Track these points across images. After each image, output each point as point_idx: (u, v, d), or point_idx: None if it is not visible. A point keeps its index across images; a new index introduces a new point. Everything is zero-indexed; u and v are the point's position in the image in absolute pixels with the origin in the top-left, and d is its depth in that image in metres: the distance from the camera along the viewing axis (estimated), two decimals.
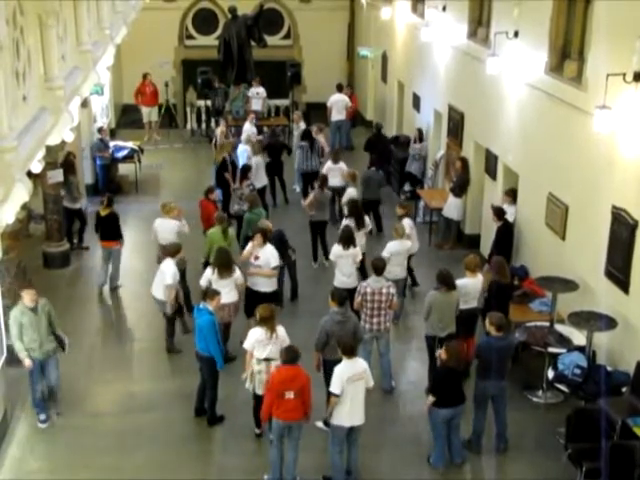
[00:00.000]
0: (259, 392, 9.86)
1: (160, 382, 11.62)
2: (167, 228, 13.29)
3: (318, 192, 15.41)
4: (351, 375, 9.08)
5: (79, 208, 16.22)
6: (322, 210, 15.42)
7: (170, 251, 12.20)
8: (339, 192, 16.46)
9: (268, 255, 12.19)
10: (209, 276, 11.58)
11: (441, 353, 9.70)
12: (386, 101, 23.62)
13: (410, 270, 14.13)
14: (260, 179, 16.88)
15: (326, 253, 15.47)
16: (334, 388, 9.07)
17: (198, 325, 10.32)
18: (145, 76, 23.76)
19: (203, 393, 10.64)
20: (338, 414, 9.19)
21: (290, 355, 9.09)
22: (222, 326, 11.39)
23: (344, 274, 12.51)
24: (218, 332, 10.41)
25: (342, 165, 16.96)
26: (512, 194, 13.88)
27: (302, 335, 12.12)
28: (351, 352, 9.19)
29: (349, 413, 9.16)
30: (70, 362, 12.01)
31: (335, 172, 16.70)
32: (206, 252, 13.15)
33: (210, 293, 10.56)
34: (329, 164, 16.92)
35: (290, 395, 8.99)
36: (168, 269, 11.89)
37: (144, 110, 23.93)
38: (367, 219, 14.04)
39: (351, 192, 15.52)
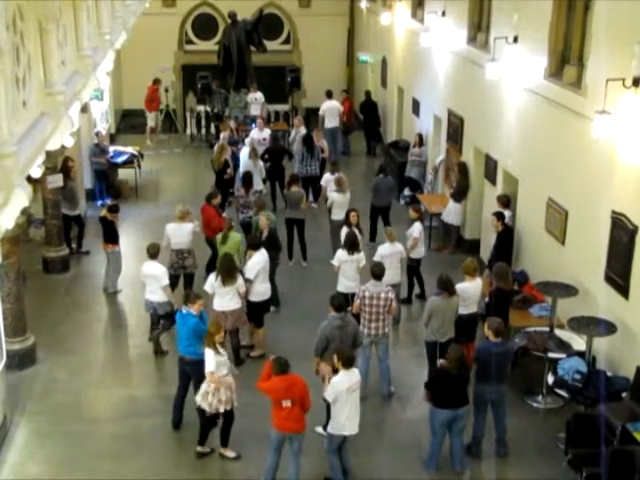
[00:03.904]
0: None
1: (159, 386, 11.61)
2: (184, 232, 13.23)
3: (286, 191, 16.00)
4: (349, 386, 9.11)
5: (77, 214, 16.21)
6: (294, 208, 15.61)
7: (152, 252, 12.06)
8: None
9: (249, 264, 12.18)
10: (213, 282, 11.57)
11: (443, 363, 9.77)
12: (386, 106, 23.64)
13: (420, 279, 14.13)
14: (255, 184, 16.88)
15: (304, 253, 15.69)
16: (328, 395, 9.15)
17: (187, 330, 10.25)
18: (157, 81, 24.01)
19: (181, 404, 10.60)
20: (337, 423, 9.23)
21: (280, 367, 9.01)
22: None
23: (348, 279, 12.51)
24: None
25: (341, 175, 16.96)
26: (505, 200, 13.88)
27: (297, 338, 12.20)
28: (351, 364, 9.22)
29: (347, 423, 9.22)
30: (69, 367, 12.06)
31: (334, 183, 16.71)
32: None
33: (192, 297, 10.50)
34: (327, 175, 16.91)
35: (287, 403, 8.96)
36: (158, 270, 11.86)
37: (151, 115, 24.05)
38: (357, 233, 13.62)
39: (333, 196, 15.59)
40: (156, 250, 12.10)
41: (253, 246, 12.37)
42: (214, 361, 9.57)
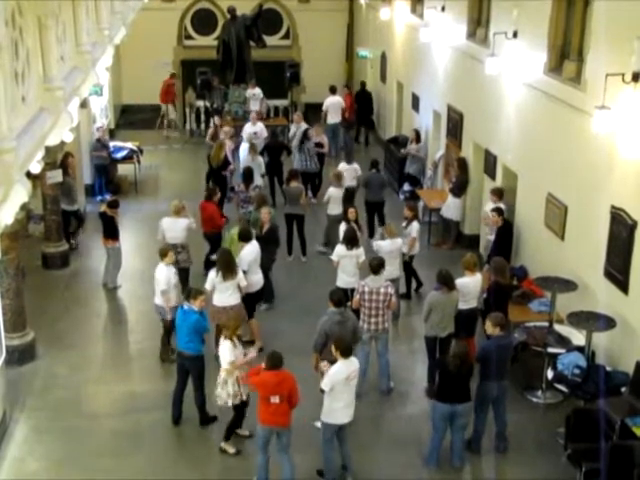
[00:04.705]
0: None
1: (159, 383, 11.59)
2: (178, 227, 13.27)
3: (285, 187, 16.04)
4: (348, 375, 9.16)
5: (76, 209, 16.20)
6: (294, 204, 15.63)
7: (160, 254, 12.01)
8: (352, 192, 16.69)
9: (241, 256, 12.21)
10: (213, 278, 11.57)
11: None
12: (385, 101, 23.62)
13: (414, 272, 14.14)
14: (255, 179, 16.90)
15: (304, 248, 15.70)
16: (324, 385, 9.19)
17: (188, 326, 10.26)
18: (173, 75, 24.65)
19: (180, 399, 10.64)
20: (332, 412, 9.27)
21: (273, 361, 9.03)
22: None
23: (348, 274, 12.52)
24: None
25: (356, 166, 17.03)
26: (499, 192, 13.88)
27: (297, 333, 12.20)
28: (349, 353, 9.25)
29: (343, 411, 9.27)
30: (69, 363, 12.06)
31: (349, 173, 16.78)
32: None
33: (193, 293, 10.50)
34: (343, 165, 16.96)
35: (275, 400, 8.98)
36: (160, 274, 11.78)
37: (169, 108, 24.29)
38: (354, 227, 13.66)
39: (331, 192, 15.67)
40: (164, 252, 12.02)
41: (244, 238, 12.41)
42: (231, 352, 9.68)
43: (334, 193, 15.61)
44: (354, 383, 9.31)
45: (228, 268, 11.51)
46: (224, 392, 9.79)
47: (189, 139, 24.15)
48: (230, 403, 9.82)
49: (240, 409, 9.97)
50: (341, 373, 9.14)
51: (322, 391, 9.32)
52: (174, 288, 11.78)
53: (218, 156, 17.74)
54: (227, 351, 9.72)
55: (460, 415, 9.61)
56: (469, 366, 9.54)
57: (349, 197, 16.61)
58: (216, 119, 20.45)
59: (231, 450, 10.07)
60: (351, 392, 9.29)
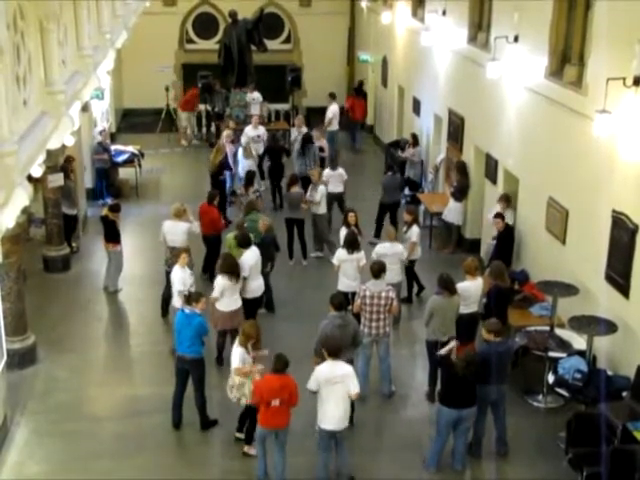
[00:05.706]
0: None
1: (160, 386, 11.54)
2: (179, 230, 13.28)
3: (286, 192, 16.06)
4: (330, 377, 9.10)
5: (76, 213, 16.21)
6: (294, 209, 15.65)
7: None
8: (337, 198, 16.63)
9: (241, 262, 12.18)
10: (225, 284, 11.54)
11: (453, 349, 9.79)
12: (386, 105, 23.63)
13: (415, 276, 14.13)
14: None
15: (305, 252, 15.72)
16: (310, 385, 9.18)
17: (192, 329, 10.26)
18: (196, 87, 24.34)
19: (180, 403, 10.64)
20: (322, 415, 9.24)
21: (279, 365, 9.07)
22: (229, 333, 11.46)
23: (349, 278, 12.51)
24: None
25: (341, 171, 17.01)
26: (506, 199, 13.86)
27: (297, 337, 12.19)
28: (336, 354, 9.21)
29: (331, 417, 9.20)
30: (70, 366, 12.06)
31: (335, 179, 16.77)
32: None
33: (195, 296, 10.53)
34: (328, 171, 16.96)
35: (276, 403, 9.02)
36: (174, 275, 11.90)
37: (185, 115, 24.24)
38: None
39: (322, 189, 15.80)
40: (175, 255, 12.28)
41: (243, 244, 12.44)
42: (240, 358, 9.70)
43: (324, 190, 15.74)
44: (339, 388, 9.13)
45: (236, 272, 11.62)
46: (239, 393, 9.78)
47: (190, 142, 24.16)
48: (248, 402, 9.78)
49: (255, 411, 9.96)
50: (324, 372, 9.10)
51: (313, 392, 9.23)
52: (190, 289, 11.76)
53: (214, 162, 17.75)
54: (237, 357, 9.73)
55: (465, 419, 9.60)
56: (476, 370, 9.50)
57: (338, 202, 16.65)
58: (231, 123, 20.33)
59: (254, 452, 9.95)
60: (336, 398, 9.14)
